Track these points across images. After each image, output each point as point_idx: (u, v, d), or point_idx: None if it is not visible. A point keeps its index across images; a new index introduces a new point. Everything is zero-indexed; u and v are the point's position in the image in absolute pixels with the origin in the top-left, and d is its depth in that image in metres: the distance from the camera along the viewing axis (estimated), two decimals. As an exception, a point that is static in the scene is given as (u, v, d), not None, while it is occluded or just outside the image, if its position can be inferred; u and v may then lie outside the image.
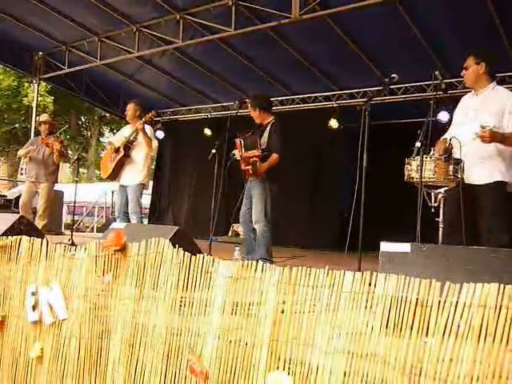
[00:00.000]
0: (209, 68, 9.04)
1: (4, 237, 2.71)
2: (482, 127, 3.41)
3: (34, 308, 2.43)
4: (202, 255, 1.88)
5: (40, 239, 2.50)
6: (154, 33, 8.05)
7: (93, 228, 14.61)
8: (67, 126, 7.71)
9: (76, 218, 13.73)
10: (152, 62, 9.40)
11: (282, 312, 1.75)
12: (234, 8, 6.59)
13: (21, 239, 2.60)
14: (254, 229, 4.78)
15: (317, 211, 9.05)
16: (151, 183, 11.40)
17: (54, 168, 7.16)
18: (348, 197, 4.24)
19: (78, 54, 9.53)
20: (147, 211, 11.91)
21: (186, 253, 1.91)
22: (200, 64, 8.94)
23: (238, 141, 4.70)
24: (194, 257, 1.88)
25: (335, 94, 8.81)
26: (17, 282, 2.60)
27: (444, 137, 3.77)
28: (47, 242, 2.46)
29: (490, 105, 3.68)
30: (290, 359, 1.71)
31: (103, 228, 11.97)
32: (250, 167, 4.51)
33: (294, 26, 6.36)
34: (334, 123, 8.70)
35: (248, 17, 6.68)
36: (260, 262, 1.78)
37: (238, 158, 4.77)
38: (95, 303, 2.21)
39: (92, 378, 2.23)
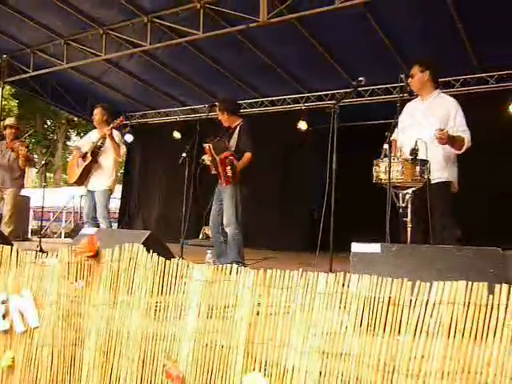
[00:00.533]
0: (177, 71, 9.02)
1: (-29, 245, 2.66)
2: (441, 129, 3.58)
3: (4, 317, 2.39)
4: (175, 259, 1.88)
5: (9, 246, 2.46)
6: (121, 36, 7.97)
7: (60, 234, 14.36)
8: (32, 130, 7.54)
9: (43, 223, 13.47)
10: (120, 64, 9.32)
11: (258, 314, 1.77)
12: (201, 11, 6.58)
13: (-11, 247, 2.55)
14: (225, 232, 4.78)
15: (287, 213, 9.12)
16: (120, 187, 11.28)
17: (19, 173, 7.02)
18: (318, 198, 4.30)
19: (44, 57, 9.37)
20: (116, 216, 11.78)
21: (160, 257, 1.91)
22: (168, 67, 8.90)
23: (206, 146, 4.70)
24: (167, 261, 1.89)
25: (303, 97, 8.89)
26: (-14, 291, 2.54)
27: (392, 138, 3.87)
28: (17, 250, 2.43)
29: (436, 109, 4.01)
30: (266, 360, 1.73)
31: (71, 233, 11.78)
32: (229, 168, 4.50)
33: (262, 29, 6.40)
34: (302, 125, 8.78)
35: (216, 20, 6.69)
36: (234, 265, 1.80)
37: (208, 163, 4.77)
38: (68, 310, 2.19)
39: (66, 386, 2.21)
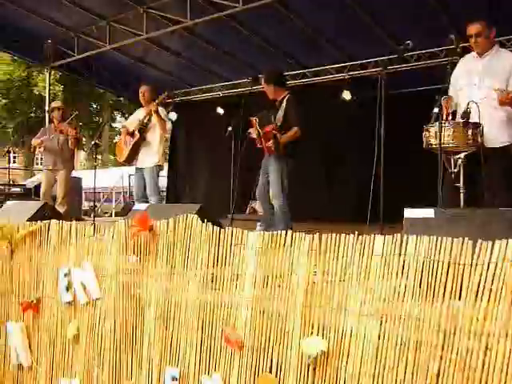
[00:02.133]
0: (218, 46, 8.98)
1: (33, 222, 2.77)
2: (500, 90, 3.41)
3: (67, 289, 2.49)
4: (230, 228, 1.91)
5: (69, 222, 2.55)
6: (161, 13, 7.99)
7: (111, 213, 14.76)
8: (77, 112, 7.72)
9: (94, 204, 13.87)
10: (161, 43, 9.36)
11: (314, 283, 1.77)
12: (241, -17, 6.51)
13: (49, 224, 2.65)
14: (272, 204, 4.80)
15: (335, 184, 9.04)
16: (166, 165, 11.45)
17: (69, 154, 7.21)
18: (366, 168, 4.22)
19: (87, 40, 9.52)
20: (164, 193, 11.99)
21: (215, 226, 1.94)
22: (209, 42, 8.87)
23: (253, 119, 4.70)
24: (222, 230, 1.91)
25: (346, 66, 8.71)
26: (49, 265, 2.66)
27: (448, 96, 3.71)
28: (76, 225, 2.52)
29: (496, 67, 3.70)
30: (324, 325, 1.74)
31: (122, 213, 12.08)
32: (271, 141, 4.50)
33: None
34: (347, 95, 8.62)
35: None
36: (289, 232, 1.81)
37: (255, 136, 4.77)
38: (127, 282, 2.26)
39: (128, 355, 2.29)
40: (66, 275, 2.49)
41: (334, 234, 1.71)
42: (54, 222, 2.62)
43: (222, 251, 1.94)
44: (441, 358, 1.51)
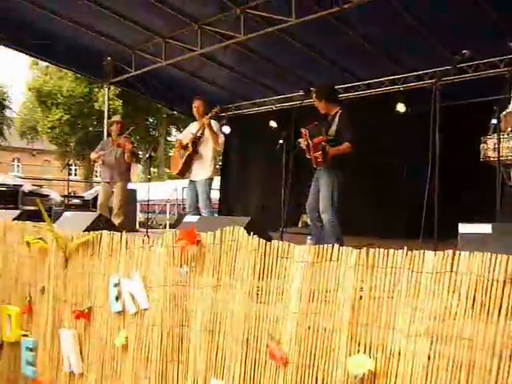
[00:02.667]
0: (271, 59, 9.04)
1: (86, 232, 2.84)
2: None
3: (117, 299, 2.54)
4: (276, 241, 1.89)
5: (119, 233, 2.60)
6: (215, 29, 8.14)
7: (165, 225, 15.03)
8: (134, 127, 7.99)
9: (148, 216, 14.17)
10: (215, 58, 9.53)
11: (361, 298, 1.72)
12: (294, -3, 6.55)
13: (101, 234, 2.71)
14: (321, 218, 4.74)
15: (387, 199, 8.84)
16: (219, 178, 11.57)
17: (126, 167, 7.41)
18: (419, 182, 4.10)
19: (144, 56, 9.81)
20: (216, 206, 12.10)
21: (261, 239, 1.92)
22: (262, 56, 8.96)
23: (303, 130, 4.68)
24: (269, 243, 1.90)
25: (401, 78, 8.56)
26: (100, 275, 2.72)
27: (508, 110, 3.56)
28: (126, 236, 2.56)
29: None
30: (371, 343, 1.68)
31: (175, 225, 12.28)
32: (319, 153, 4.46)
33: (356, 9, 6.23)
34: (401, 107, 8.46)
35: (308, 4, 6.61)
36: (335, 246, 1.77)
37: (304, 147, 4.75)
38: (174, 293, 2.28)
39: (175, 365, 2.30)
40: (115, 285, 2.54)
41: (382, 249, 1.66)
42: (105, 232, 2.68)
43: (268, 264, 1.92)
44: (495, 383, 1.43)
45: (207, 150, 5.83)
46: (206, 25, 8.19)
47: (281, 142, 4.85)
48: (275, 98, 10.66)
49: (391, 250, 1.64)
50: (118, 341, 2.55)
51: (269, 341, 1.88)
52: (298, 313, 1.82)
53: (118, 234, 2.62)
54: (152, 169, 30.50)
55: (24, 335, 3.41)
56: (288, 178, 4.87)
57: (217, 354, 2.12)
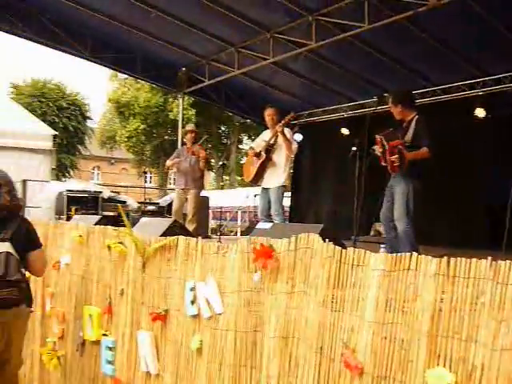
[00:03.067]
0: (343, 66, 8.99)
1: (163, 237, 2.94)
2: None
3: (192, 303, 2.60)
4: (352, 248, 1.86)
5: (194, 239, 2.67)
6: (287, 37, 8.20)
7: (236, 232, 15.22)
8: (208, 136, 8.20)
9: (220, 223, 14.39)
10: (286, 66, 9.58)
11: (440, 310, 1.67)
12: (366, 2, 6.47)
13: (178, 239, 2.79)
14: (396, 227, 4.63)
15: (465, 207, 8.49)
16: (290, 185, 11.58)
17: (200, 175, 7.60)
18: (501, 190, 3.92)
19: (217, 66, 10.03)
20: (287, 213, 12.11)
21: (336, 246, 1.91)
22: (334, 63, 8.92)
23: (378, 137, 4.60)
24: (344, 250, 1.88)
25: (480, 81, 8.22)
26: (176, 279, 2.79)
27: None
28: (201, 242, 2.62)
29: None
30: (451, 357, 1.62)
31: (247, 232, 12.41)
32: (396, 156, 4.35)
33: (430, 13, 6.07)
34: (480, 113, 8.12)
35: (381, 9, 6.51)
36: (414, 254, 1.72)
37: (379, 153, 4.66)
38: (248, 298, 2.30)
39: (248, 370, 2.32)
40: (191, 289, 2.60)
41: (463, 259, 1.60)
42: (181, 238, 2.75)
43: (343, 272, 1.90)
44: None
45: (280, 157, 5.87)
46: (277, 33, 8.26)
47: (354, 149, 4.80)
48: (347, 104, 10.55)
49: (474, 260, 1.57)
50: (193, 344, 2.60)
51: (343, 349, 1.86)
52: (373, 322, 1.78)
53: (194, 239, 2.68)
54: (224, 176, 31.12)
55: (104, 335, 3.56)
56: (361, 186, 4.80)
57: (290, 361, 2.11)
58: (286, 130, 5.87)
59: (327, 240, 1.97)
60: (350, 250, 1.86)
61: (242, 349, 2.33)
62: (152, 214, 9.69)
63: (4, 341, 3.41)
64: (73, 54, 10.67)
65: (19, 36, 10.25)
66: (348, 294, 1.88)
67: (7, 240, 3.40)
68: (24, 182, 10.04)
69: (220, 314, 2.45)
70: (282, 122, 5.79)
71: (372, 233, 9.85)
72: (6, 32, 10.08)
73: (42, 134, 12.79)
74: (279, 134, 5.76)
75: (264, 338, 2.23)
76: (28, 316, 3.68)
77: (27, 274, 4.60)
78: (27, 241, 3.56)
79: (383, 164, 4.62)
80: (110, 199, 9.25)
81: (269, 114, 6.13)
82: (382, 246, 4.86)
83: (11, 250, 3.38)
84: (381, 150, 4.58)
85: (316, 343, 1.98)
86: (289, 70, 9.75)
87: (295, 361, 2.08)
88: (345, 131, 10.18)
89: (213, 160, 29.57)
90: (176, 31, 9.20)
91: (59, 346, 4.44)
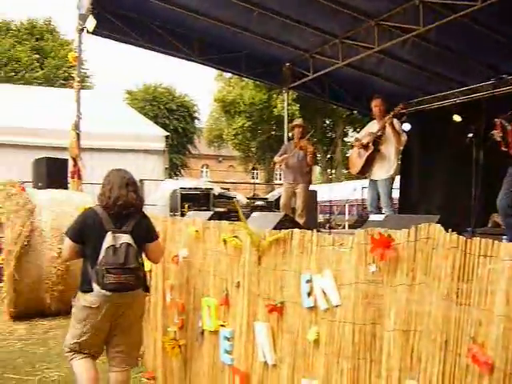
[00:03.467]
0: (453, 50, 8.55)
1: (277, 231, 2.99)
2: None
3: (309, 295, 2.62)
4: (478, 238, 1.77)
5: (310, 232, 2.68)
6: (393, 24, 7.96)
7: (344, 226, 15.07)
8: (313, 130, 8.20)
9: (328, 216, 14.33)
10: (392, 53, 9.32)
11: None
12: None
13: (292, 232, 2.82)
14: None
15: None
16: (398, 176, 11.25)
17: (308, 169, 7.64)
18: None
19: (321, 59, 9.99)
20: (396, 205, 11.77)
21: (460, 236, 1.82)
22: (443, 47, 8.52)
23: (498, 121, 4.33)
24: (469, 240, 1.79)
25: None
26: (291, 271, 2.83)
27: None
28: (317, 233, 2.64)
29: None
30: None
31: (356, 225, 12.25)
32: None
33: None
34: None
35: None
36: (549, 244, 1.60)
37: (498, 138, 4.39)
38: (366, 291, 2.27)
39: (367, 363, 2.30)
40: (307, 281, 2.62)
41: None
42: (296, 230, 2.78)
43: (469, 263, 1.81)
44: None
45: (389, 148, 5.75)
46: (382, 20, 8.06)
47: (470, 135, 4.56)
48: (459, 90, 10.03)
49: None
50: (310, 335, 2.62)
51: (471, 344, 1.78)
52: (504, 316, 1.68)
53: (309, 232, 2.70)
54: (329, 170, 30.93)
55: (222, 325, 3.70)
56: (478, 175, 4.56)
57: (412, 355, 2.06)
58: (395, 121, 5.73)
59: (450, 230, 1.90)
60: (475, 240, 1.78)
61: (361, 341, 2.31)
62: (261, 209, 9.89)
63: (125, 320, 4.05)
64: (181, 58, 11.18)
65: (132, 44, 10.93)
66: (474, 287, 1.79)
67: (128, 232, 3.93)
68: (141, 181, 10.69)
69: (337, 306, 2.45)
70: (391, 113, 5.66)
71: (490, 224, 9.30)
72: (121, 41, 10.79)
73: (155, 135, 13.56)
74: (387, 125, 5.64)
75: (384, 330, 2.19)
76: (144, 300, 4.32)
77: (151, 265, 4.98)
78: (147, 233, 4.17)
79: (503, 149, 4.35)
80: (220, 195, 9.58)
81: (376, 104, 6.02)
82: (504, 237, 4.58)
83: (131, 242, 3.89)
84: (501, 134, 4.31)
85: (440, 337, 1.91)
86: (395, 58, 9.47)
87: (417, 355, 2.02)
88: (457, 118, 9.68)
89: (318, 154, 29.49)
90: (278, 27, 9.30)
91: (179, 336, 4.68)
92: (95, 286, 3.81)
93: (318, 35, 9.37)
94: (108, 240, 3.82)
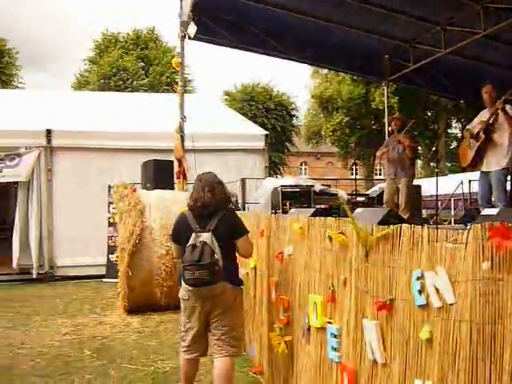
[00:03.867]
0: None
1: (385, 226, 2.93)
2: None
3: (420, 292, 2.54)
4: None
5: (420, 227, 2.60)
6: (500, 5, 7.50)
7: (450, 221, 14.36)
8: (414, 120, 7.95)
9: (432, 211, 13.77)
10: (500, 37, 8.78)
11: None
12: None
13: (401, 228, 2.75)
14: None
15: None
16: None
17: (409, 163, 7.40)
18: None
19: (422, 49, 9.62)
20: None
21: None
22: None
23: None
24: None
25: None
26: (401, 268, 2.76)
27: None
28: (429, 229, 2.55)
29: None
30: None
31: (463, 220, 11.66)
32: None
33: None
34: None
35: None
36: None
37: None
38: (484, 288, 2.16)
39: (486, 365, 2.18)
40: (418, 278, 2.54)
41: None
42: (405, 226, 2.71)
43: None
44: None
45: (502, 137, 5.42)
46: (489, 3, 7.61)
47: None
48: None
49: None
50: (423, 334, 2.54)
51: None
52: None
53: (419, 227, 2.62)
54: (432, 163, 29.70)
55: (328, 322, 3.69)
56: None
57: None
58: (508, 107, 5.38)
59: None
60: None
61: (479, 341, 2.20)
62: (362, 205, 9.71)
63: (216, 312, 4.39)
64: (277, 56, 11.28)
65: (230, 47, 11.22)
66: None
67: (210, 231, 4.24)
68: (243, 180, 10.93)
69: (452, 304, 2.35)
70: (502, 97, 5.32)
71: None
72: (219, 44, 11.11)
73: (255, 134, 13.79)
74: (500, 111, 5.31)
75: (505, 330, 2.07)
76: (233, 292, 4.48)
77: (256, 262, 5.09)
78: (231, 230, 4.42)
79: None
80: (321, 192, 9.53)
81: (486, 91, 5.69)
82: None
83: (208, 240, 4.19)
84: None
85: None
86: (503, 42, 8.90)
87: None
88: None
89: (420, 148, 28.41)
90: (376, 19, 9.10)
91: (285, 332, 4.73)
92: (182, 282, 4.29)
93: (419, 24, 9.04)
94: (191, 239, 4.23)
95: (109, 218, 12.36)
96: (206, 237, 4.21)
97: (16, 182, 12.92)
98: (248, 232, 4.62)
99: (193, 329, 4.43)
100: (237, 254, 4.63)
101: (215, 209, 4.35)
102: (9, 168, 12.48)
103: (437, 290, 2.42)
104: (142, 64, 34.39)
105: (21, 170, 12.49)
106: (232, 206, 4.80)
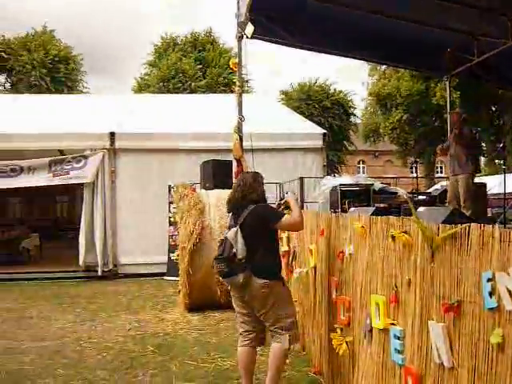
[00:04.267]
0: None
1: (451, 225, 2.83)
2: None
3: (491, 295, 2.44)
4: None
5: (491, 226, 2.50)
6: None
7: (519, 220, 13.71)
8: (464, 114, 7.66)
9: (499, 210, 13.21)
10: None
11: None
12: None
13: (469, 227, 2.65)
14: None
15: None
16: None
17: (466, 159, 7.19)
18: None
19: (486, 40, 9.26)
20: None
21: None
22: None
23: None
24: None
25: None
26: (469, 269, 2.66)
27: None
28: (499, 228, 2.44)
29: None
30: None
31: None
32: None
33: None
34: None
35: None
36: None
37: None
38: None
39: None
40: (488, 280, 2.44)
41: None
42: (474, 225, 2.61)
43: None
44: None
45: None
46: None
47: None
48: None
49: None
50: (494, 338, 2.43)
51: None
52: None
53: (489, 226, 2.51)
54: (498, 161, 28.49)
55: (392, 323, 3.61)
56: None
57: None
58: None
59: None
60: None
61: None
62: (423, 203, 9.45)
63: (252, 302, 4.61)
64: (335, 54, 11.15)
65: (286, 45, 11.19)
66: None
67: (238, 225, 4.54)
68: (301, 179, 10.88)
69: (526, 307, 2.25)
70: None
71: None
72: (276, 43, 11.11)
73: (313, 133, 13.72)
74: None
75: None
76: (261, 285, 4.55)
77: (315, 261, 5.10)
78: (262, 219, 4.61)
79: None
80: (381, 190, 9.35)
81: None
82: None
83: (229, 235, 4.53)
84: None
85: None
86: None
87: None
88: None
89: (484, 144, 27.31)
90: (435, 11, 8.82)
91: (346, 333, 4.67)
92: None
93: (483, 15, 8.68)
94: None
95: (169, 218, 12.64)
96: (229, 232, 4.58)
97: (82, 184, 13.41)
98: (283, 215, 4.74)
99: (241, 317, 4.80)
100: (280, 251, 5.13)
101: (244, 205, 4.64)
102: (75, 170, 12.99)
103: (510, 293, 2.32)
104: (200, 66, 34.94)
105: (86, 171, 12.98)
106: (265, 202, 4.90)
